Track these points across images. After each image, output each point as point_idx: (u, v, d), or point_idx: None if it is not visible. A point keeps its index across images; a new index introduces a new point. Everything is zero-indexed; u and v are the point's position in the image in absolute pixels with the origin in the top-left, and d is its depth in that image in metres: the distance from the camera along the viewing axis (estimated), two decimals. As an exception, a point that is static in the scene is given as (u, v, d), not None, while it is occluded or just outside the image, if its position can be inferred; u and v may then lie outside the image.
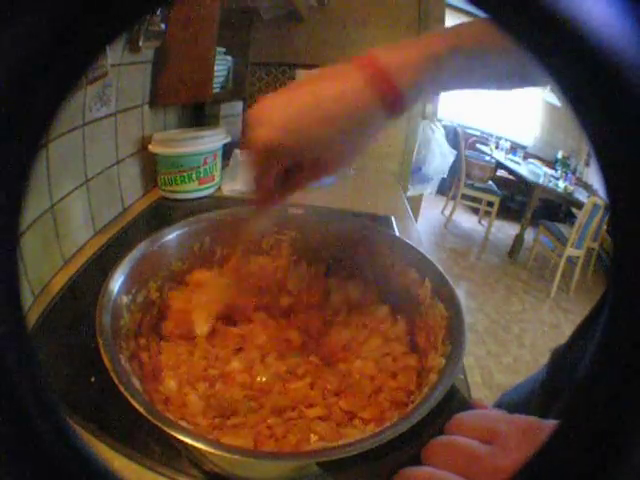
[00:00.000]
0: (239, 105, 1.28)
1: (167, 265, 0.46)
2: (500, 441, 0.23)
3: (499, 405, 0.60)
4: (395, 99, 0.33)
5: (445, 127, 1.92)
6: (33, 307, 0.55)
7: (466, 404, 0.29)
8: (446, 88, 0.37)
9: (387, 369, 0.41)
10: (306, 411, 0.37)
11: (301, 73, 1.07)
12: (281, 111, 0.33)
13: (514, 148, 3.88)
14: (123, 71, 0.77)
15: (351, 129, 0.33)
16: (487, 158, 3.68)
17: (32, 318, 0.53)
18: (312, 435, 0.35)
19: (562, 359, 0.50)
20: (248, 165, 0.36)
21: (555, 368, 0.51)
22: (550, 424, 0.23)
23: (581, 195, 3.06)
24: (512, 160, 3.59)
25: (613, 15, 0.09)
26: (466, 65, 0.34)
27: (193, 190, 0.95)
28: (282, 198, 0.40)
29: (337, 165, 0.37)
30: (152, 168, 0.95)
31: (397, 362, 0.42)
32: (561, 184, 3.16)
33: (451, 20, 1.49)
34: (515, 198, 3.94)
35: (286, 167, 0.36)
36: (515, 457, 0.21)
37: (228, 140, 1.00)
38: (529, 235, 3.21)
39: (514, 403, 0.57)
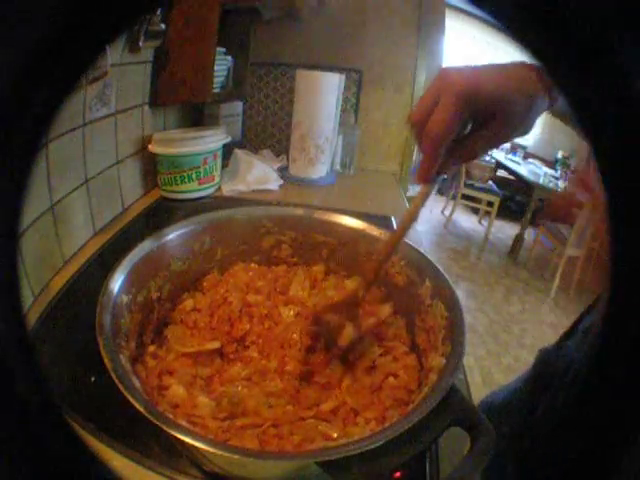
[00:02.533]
0: (239, 105, 1.28)
1: (167, 265, 0.46)
2: None
3: (488, 403, 0.61)
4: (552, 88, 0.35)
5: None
6: (33, 307, 0.55)
7: (466, 404, 0.29)
8: None
9: (388, 368, 0.41)
10: (321, 405, 0.37)
11: (301, 73, 1.07)
12: (474, 70, 0.35)
13: (514, 148, 3.88)
14: (123, 71, 0.77)
15: (531, 99, 0.35)
16: (487, 158, 3.68)
17: (32, 318, 0.53)
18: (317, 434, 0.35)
19: (548, 359, 0.50)
20: (432, 122, 0.35)
21: (540, 367, 0.51)
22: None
23: (581, 195, 3.06)
24: (512, 160, 3.59)
25: (613, 13, 0.09)
26: None
27: (193, 190, 0.95)
28: (448, 166, 0.38)
29: (512, 133, 0.37)
30: (152, 168, 0.95)
31: (398, 361, 0.42)
32: (561, 184, 3.16)
33: (451, 20, 1.49)
34: (515, 198, 3.94)
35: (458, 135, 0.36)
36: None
37: (228, 140, 1.00)
38: (529, 235, 3.21)
39: (500, 401, 0.58)
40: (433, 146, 0.35)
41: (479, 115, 0.35)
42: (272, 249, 0.54)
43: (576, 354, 0.44)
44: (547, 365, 0.50)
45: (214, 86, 0.99)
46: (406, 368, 0.41)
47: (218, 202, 0.97)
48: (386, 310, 0.47)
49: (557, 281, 2.64)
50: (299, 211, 0.55)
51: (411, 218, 0.40)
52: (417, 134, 0.37)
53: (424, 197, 0.39)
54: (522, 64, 0.35)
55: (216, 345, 0.42)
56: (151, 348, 0.40)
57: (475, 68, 0.36)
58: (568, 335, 0.50)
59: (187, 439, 0.26)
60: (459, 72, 0.35)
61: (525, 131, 0.37)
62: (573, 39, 0.09)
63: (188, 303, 0.47)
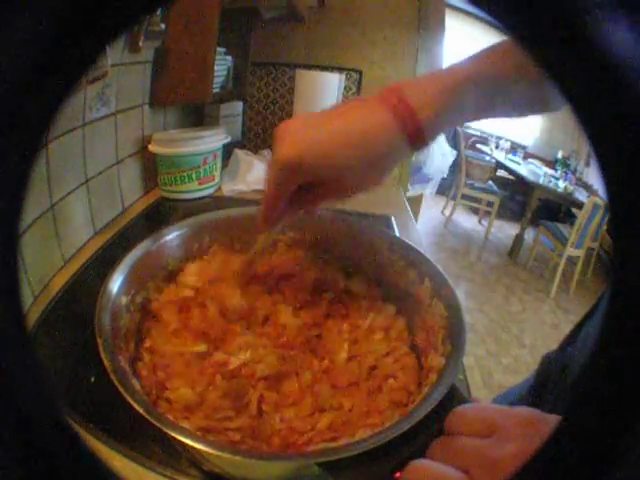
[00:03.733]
0: (239, 105, 1.28)
1: (165, 265, 0.46)
2: (498, 433, 0.23)
3: None
4: (418, 133, 0.34)
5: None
6: (33, 307, 0.55)
7: (466, 404, 0.29)
8: (468, 119, 0.37)
9: (388, 369, 0.41)
10: (319, 424, 0.36)
11: (301, 73, 1.07)
12: (308, 131, 0.34)
13: (514, 148, 3.88)
14: (123, 71, 0.77)
15: (376, 158, 0.35)
16: (487, 158, 3.68)
17: (32, 318, 0.53)
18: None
19: (551, 364, 0.50)
20: (265, 181, 0.37)
21: (543, 373, 0.51)
22: (552, 417, 0.23)
23: (581, 195, 3.06)
24: (512, 160, 3.59)
25: (613, 13, 0.09)
26: (487, 96, 0.35)
27: (193, 190, 0.95)
28: (291, 215, 0.41)
29: (356, 189, 0.38)
30: (152, 168, 0.95)
31: (398, 362, 0.42)
32: (561, 184, 3.16)
33: (451, 20, 1.49)
34: (515, 198, 3.94)
35: (300, 186, 0.37)
36: (512, 448, 0.22)
37: (228, 140, 1.00)
38: (529, 235, 3.21)
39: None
40: (267, 206, 0.38)
41: (313, 178, 0.35)
42: (269, 250, 0.54)
43: (577, 360, 0.44)
44: (549, 372, 0.50)
45: (214, 86, 0.99)
46: (406, 369, 0.41)
47: (218, 202, 0.97)
48: (390, 309, 0.47)
49: (557, 281, 2.64)
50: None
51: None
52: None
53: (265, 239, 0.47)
54: (390, 118, 0.33)
55: (202, 348, 0.41)
56: (147, 343, 0.40)
57: (318, 137, 0.34)
58: (569, 340, 0.50)
59: (187, 440, 0.26)
60: (290, 139, 0.34)
61: (377, 183, 0.37)
62: (573, 38, 0.09)
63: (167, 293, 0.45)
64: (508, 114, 0.39)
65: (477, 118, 0.37)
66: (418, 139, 0.34)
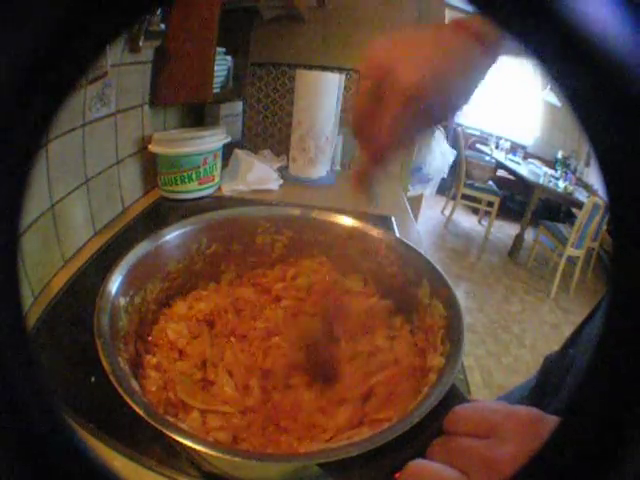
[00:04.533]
0: (239, 105, 1.28)
1: (164, 266, 0.46)
2: (497, 433, 0.23)
3: None
4: (493, 43, 0.33)
5: (445, 127, 1.92)
6: (33, 307, 0.55)
7: (465, 403, 0.29)
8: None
9: (389, 368, 0.41)
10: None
11: (301, 73, 1.07)
12: (419, 52, 0.32)
13: (514, 148, 3.88)
14: (123, 71, 0.77)
15: (468, 69, 0.34)
16: (487, 158, 3.68)
17: (32, 318, 0.53)
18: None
19: (553, 365, 0.50)
20: (385, 110, 0.32)
21: (545, 375, 0.51)
22: (552, 417, 0.23)
23: (581, 195, 3.06)
24: (512, 160, 3.59)
25: (613, 13, 0.09)
26: None
27: (193, 190, 0.95)
28: (401, 147, 0.36)
29: (459, 104, 0.36)
30: (152, 168, 0.95)
31: (400, 362, 0.42)
32: (561, 184, 3.16)
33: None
34: (515, 198, 3.94)
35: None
36: (510, 448, 0.22)
37: (228, 140, 1.00)
38: (529, 235, 3.21)
39: None
40: (381, 155, 0.34)
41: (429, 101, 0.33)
42: (265, 246, 0.54)
43: (579, 361, 0.44)
44: (550, 374, 0.50)
45: (214, 86, 0.99)
46: (407, 367, 0.41)
47: (218, 202, 0.97)
48: (388, 306, 0.47)
49: (557, 281, 2.64)
50: (297, 211, 0.55)
51: None
52: (361, 140, 0.34)
53: None
54: (454, 25, 0.33)
55: (231, 410, 0.38)
56: (152, 361, 0.39)
57: (414, 48, 0.32)
58: (571, 341, 0.49)
59: (186, 442, 0.26)
60: (404, 62, 0.31)
61: (466, 101, 0.36)
62: (573, 37, 0.09)
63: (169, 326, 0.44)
64: None
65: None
66: (495, 49, 0.34)
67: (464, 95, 0.36)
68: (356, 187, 0.36)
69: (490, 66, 0.36)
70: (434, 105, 0.33)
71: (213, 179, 0.98)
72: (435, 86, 0.32)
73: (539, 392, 0.50)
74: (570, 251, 2.58)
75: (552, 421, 0.22)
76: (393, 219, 0.95)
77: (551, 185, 3.13)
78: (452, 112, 0.36)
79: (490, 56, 0.35)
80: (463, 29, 0.33)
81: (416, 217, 1.50)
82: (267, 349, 0.42)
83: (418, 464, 0.24)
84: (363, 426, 0.35)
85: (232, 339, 0.44)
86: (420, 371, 0.39)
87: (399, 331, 0.45)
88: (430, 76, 0.31)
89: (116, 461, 0.37)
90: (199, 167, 0.93)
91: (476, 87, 0.36)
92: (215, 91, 1.03)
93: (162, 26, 0.83)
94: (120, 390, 0.28)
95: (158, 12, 0.80)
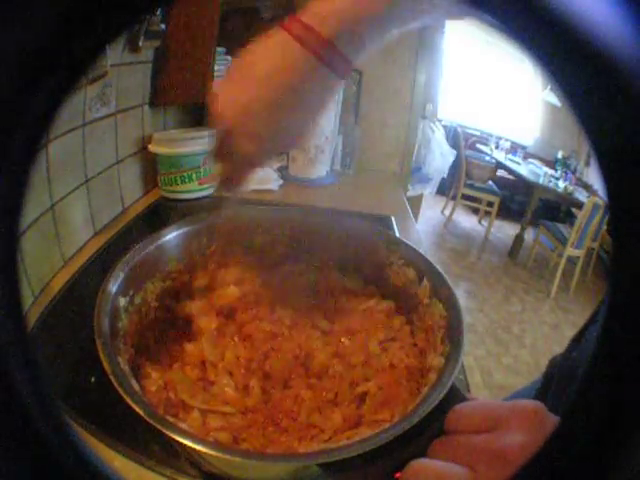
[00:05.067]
0: (239, 105, 1.28)
1: (164, 266, 0.46)
2: (502, 426, 0.23)
3: None
4: (327, 48, 0.31)
5: (445, 127, 1.92)
6: (33, 307, 0.55)
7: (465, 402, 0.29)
8: (384, 30, 0.34)
9: (383, 373, 0.41)
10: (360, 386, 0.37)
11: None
12: (234, 89, 0.34)
13: (514, 148, 3.88)
14: (123, 71, 0.77)
15: (300, 97, 0.33)
16: (487, 158, 3.68)
17: (32, 318, 0.53)
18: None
19: (558, 367, 0.50)
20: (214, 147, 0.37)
21: (550, 377, 0.51)
22: (553, 416, 0.22)
23: (581, 195, 3.06)
24: (512, 160, 3.59)
25: (613, 14, 0.09)
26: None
27: (193, 190, 0.95)
28: (245, 175, 0.41)
29: (296, 139, 0.37)
30: (152, 168, 0.95)
31: (396, 365, 0.42)
32: (561, 184, 3.16)
33: (451, 20, 1.49)
34: (515, 198, 3.94)
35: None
36: (518, 438, 0.21)
37: (228, 140, 1.00)
38: (529, 235, 3.21)
39: None
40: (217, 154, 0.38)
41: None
42: (264, 245, 0.54)
43: (581, 363, 0.44)
44: (555, 376, 0.50)
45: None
46: (407, 368, 0.41)
47: (218, 202, 0.97)
48: (386, 305, 0.47)
49: (557, 281, 2.64)
50: (297, 211, 0.55)
51: None
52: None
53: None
54: (294, 44, 0.31)
55: (231, 410, 0.39)
56: (154, 375, 0.38)
57: (241, 104, 0.33)
58: (575, 343, 0.49)
59: (186, 442, 0.26)
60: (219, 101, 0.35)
61: (312, 122, 0.36)
62: (575, 40, 0.09)
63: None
64: (427, 20, 0.35)
65: (393, 27, 0.34)
66: (331, 56, 0.31)
67: (300, 123, 0.35)
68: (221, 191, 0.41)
69: (334, 84, 0.34)
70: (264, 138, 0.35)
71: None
72: (256, 129, 0.34)
73: (545, 393, 0.50)
74: (570, 251, 2.58)
75: (553, 419, 0.22)
76: (393, 219, 0.95)
77: (551, 185, 3.13)
78: (297, 140, 0.37)
79: (329, 65, 0.32)
80: (296, 39, 0.31)
81: (416, 217, 1.50)
82: (268, 351, 0.42)
83: (420, 463, 0.24)
84: (362, 426, 0.35)
85: (235, 338, 0.44)
86: (420, 371, 0.39)
87: (399, 332, 0.45)
88: (245, 126, 0.33)
89: (116, 461, 0.37)
90: (199, 167, 0.93)
91: (317, 107, 0.35)
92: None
93: (162, 26, 0.83)
94: (120, 390, 0.28)
95: (158, 12, 0.80)
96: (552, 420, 0.22)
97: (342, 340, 0.43)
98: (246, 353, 0.41)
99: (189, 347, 0.41)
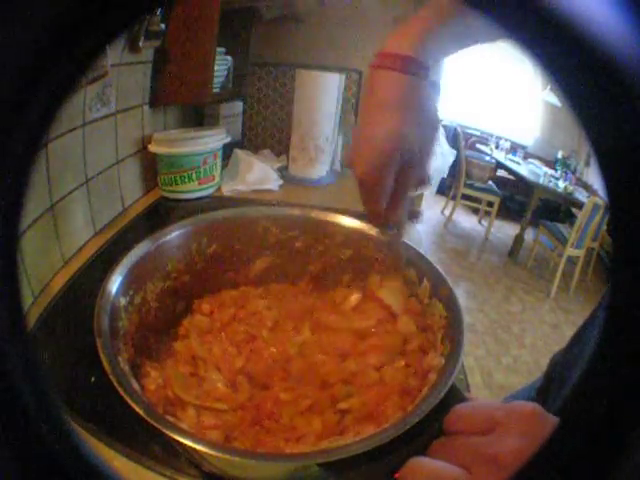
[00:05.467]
0: (239, 105, 1.28)
1: (164, 266, 0.46)
2: (499, 429, 0.23)
3: None
4: (410, 62, 0.38)
5: (445, 127, 1.92)
6: (33, 307, 0.55)
7: (465, 403, 0.29)
8: (463, 44, 0.41)
9: (368, 390, 0.41)
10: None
11: (301, 73, 1.07)
12: (365, 140, 0.38)
13: (514, 148, 3.88)
14: (123, 71, 0.77)
15: (417, 112, 0.38)
16: (487, 158, 3.68)
17: (32, 318, 0.53)
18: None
19: (558, 365, 0.50)
20: (360, 194, 0.40)
21: (551, 376, 0.51)
22: (552, 416, 0.22)
23: (581, 195, 3.06)
24: (512, 160, 3.59)
25: (614, 14, 0.09)
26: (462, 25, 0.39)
27: (193, 190, 0.95)
28: (397, 206, 0.42)
29: (430, 151, 0.40)
30: (152, 168, 0.95)
31: (387, 383, 0.41)
32: (561, 184, 3.16)
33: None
34: (515, 198, 3.94)
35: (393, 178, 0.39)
36: (514, 443, 0.21)
37: (228, 140, 1.00)
38: (529, 235, 3.21)
39: None
40: (375, 197, 0.40)
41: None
42: (267, 249, 0.54)
43: (581, 362, 0.44)
44: (555, 375, 0.50)
45: (214, 86, 0.99)
46: (405, 368, 0.41)
47: (218, 202, 0.97)
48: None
49: (557, 281, 2.64)
50: (297, 211, 0.55)
51: None
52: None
53: None
54: (393, 71, 0.38)
55: (223, 407, 0.39)
56: (153, 374, 0.38)
57: (374, 142, 0.37)
58: (574, 342, 0.49)
59: (186, 441, 0.26)
60: (355, 157, 0.38)
61: (434, 136, 0.41)
62: (575, 40, 0.09)
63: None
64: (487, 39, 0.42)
65: (469, 42, 0.41)
66: (415, 68, 0.38)
67: (428, 137, 0.39)
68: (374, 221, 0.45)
69: (430, 91, 0.39)
70: (406, 163, 0.38)
71: (213, 179, 0.98)
72: (386, 166, 0.37)
73: (545, 392, 0.50)
74: (570, 251, 2.58)
75: (553, 420, 0.22)
76: (393, 219, 0.95)
77: (551, 185, 3.13)
78: (430, 153, 0.40)
79: (415, 73, 0.38)
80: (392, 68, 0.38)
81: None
82: (250, 353, 0.42)
83: (418, 461, 0.24)
84: (346, 434, 0.35)
85: (222, 334, 0.44)
86: (418, 389, 0.38)
87: (399, 355, 0.44)
88: (376, 164, 0.37)
89: (116, 461, 0.37)
90: (199, 167, 0.93)
91: (434, 122, 0.41)
92: (215, 91, 1.03)
93: (162, 26, 0.83)
94: (120, 390, 0.28)
95: (158, 12, 0.80)
96: (551, 421, 0.22)
97: (320, 356, 0.42)
98: (232, 349, 0.42)
99: (178, 344, 0.42)
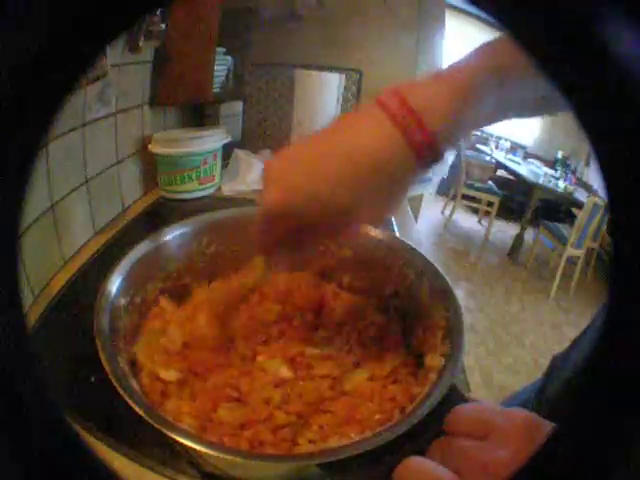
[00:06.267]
0: (239, 105, 1.28)
1: (164, 266, 0.46)
2: (494, 435, 0.23)
3: None
4: (428, 143, 0.28)
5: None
6: (33, 307, 0.55)
7: (465, 403, 0.29)
8: (483, 122, 0.32)
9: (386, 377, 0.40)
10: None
11: (301, 73, 1.07)
12: (297, 168, 0.30)
13: (514, 148, 3.88)
14: (123, 71, 0.77)
15: (379, 185, 0.29)
16: (487, 158, 3.68)
17: (32, 318, 0.53)
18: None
19: (558, 367, 0.50)
20: (255, 222, 0.33)
21: (551, 376, 0.51)
22: (548, 423, 0.23)
23: (581, 195, 3.06)
24: (512, 160, 3.59)
25: (613, 13, 0.09)
26: (502, 88, 0.29)
27: (193, 190, 0.95)
28: (291, 255, 0.37)
29: (361, 224, 0.33)
30: (152, 168, 0.95)
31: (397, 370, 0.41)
32: (561, 184, 3.16)
33: (451, 20, 1.49)
34: (515, 198, 3.94)
35: (296, 228, 0.33)
36: (506, 453, 0.22)
37: (228, 140, 1.00)
38: (529, 235, 3.21)
39: None
40: (260, 238, 0.34)
41: (308, 221, 0.31)
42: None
43: (580, 365, 0.44)
44: (554, 376, 0.50)
45: (214, 86, 0.99)
46: (404, 374, 0.40)
47: (218, 202, 0.97)
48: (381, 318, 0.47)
49: (557, 281, 2.64)
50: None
51: None
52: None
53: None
54: (392, 128, 0.28)
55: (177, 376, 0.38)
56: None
57: (309, 173, 0.29)
58: (574, 346, 0.49)
59: (186, 442, 0.26)
60: (281, 181, 0.30)
61: (384, 214, 0.32)
62: (574, 37, 0.09)
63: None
64: (521, 112, 0.35)
65: (492, 119, 0.32)
66: (426, 149, 0.28)
67: (372, 213, 0.31)
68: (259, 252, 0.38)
69: (415, 177, 0.30)
70: (322, 224, 0.32)
71: (213, 179, 0.98)
72: (315, 209, 0.29)
73: (544, 395, 0.50)
74: (570, 251, 2.58)
75: (548, 426, 0.22)
76: (393, 219, 0.95)
77: (551, 185, 3.13)
78: (361, 224, 0.33)
79: (419, 162, 0.29)
80: (391, 120, 0.28)
81: (416, 217, 1.49)
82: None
83: (413, 460, 0.24)
84: (331, 437, 0.34)
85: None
86: (401, 404, 0.36)
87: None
88: (301, 200, 0.29)
89: (116, 461, 0.37)
90: (199, 167, 0.93)
91: (393, 199, 0.31)
92: (215, 91, 1.03)
93: (162, 26, 0.83)
94: (120, 390, 0.28)
95: (158, 12, 0.80)
96: (546, 428, 0.22)
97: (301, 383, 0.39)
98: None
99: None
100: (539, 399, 0.50)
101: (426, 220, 3.45)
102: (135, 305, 0.41)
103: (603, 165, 0.10)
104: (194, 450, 0.26)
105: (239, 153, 1.10)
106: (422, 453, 0.26)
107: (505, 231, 3.61)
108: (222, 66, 1.10)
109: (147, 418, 0.27)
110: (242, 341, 0.41)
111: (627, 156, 0.09)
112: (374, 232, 0.52)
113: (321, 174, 0.29)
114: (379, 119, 0.28)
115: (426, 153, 0.28)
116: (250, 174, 1.06)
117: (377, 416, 0.35)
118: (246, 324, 0.42)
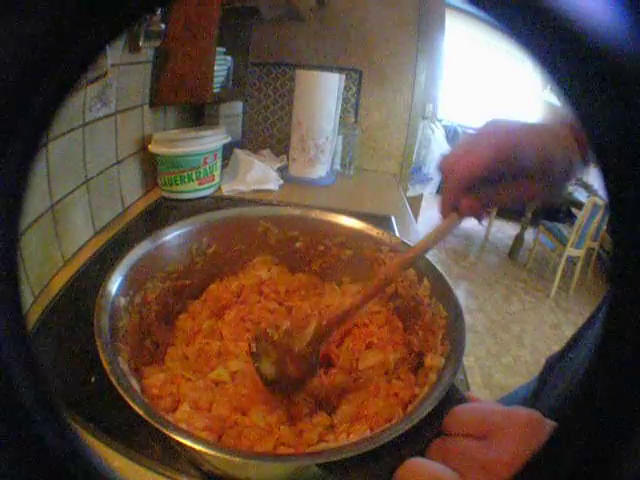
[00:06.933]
0: (239, 105, 1.28)
1: (164, 266, 0.46)
2: (494, 435, 0.23)
3: None
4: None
5: (445, 127, 1.92)
6: (33, 307, 0.55)
7: (465, 403, 0.29)
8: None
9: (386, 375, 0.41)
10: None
11: (301, 73, 1.07)
12: (518, 129, 0.35)
13: (514, 148, 3.87)
14: (123, 71, 0.77)
15: (567, 166, 0.34)
16: (487, 158, 3.67)
17: (32, 318, 0.53)
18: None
19: (554, 367, 0.50)
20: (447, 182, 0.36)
21: (546, 376, 0.51)
22: (550, 421, 0.23)
23: (581, 195, 3.05)
24: (512, 160, 3.58)
25: (613, 12, 0.09)
26: None
27: (193, 190, 0.95)
28: (474, 210, 0.39)
29: (542, 193, 0.36)
30: (152, 168, 0.95)
31: (397, 369, 0.41)
32: (561, 184, 3.15)
33: (451, 20, 1.49)
34: (515, 198, 3.93)
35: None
36: (506, 452, 0.22)
37: (228, 140, 1.00)
38: (529, 235, 3.21)
39: None
40: (454, 185, 0.36)
41: (517, 172, 0.34)
42: (267, 249, 0.54)
43: (578, 365, 0.44)
44: (550, 377, 0.50)
45: (214, 86, 0.99)
46: (404, 372, 0.41)
47: (218, 202, 0.97)
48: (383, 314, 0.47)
49: (557, 281, 2.64)
50: (298, 211, 0.55)
51: (426, 247, 0.39)
52: (445, 176, 0.37)
53: (440, 232, 0.40)
54: (561, 124, 0.35)
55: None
56: (153, 378, 0.38)
57: (519, 125, 0.35)
58: (571, 345, 0.49)
59: (186, 442, 0.26)
60: (501, 126, 0.35)
61: (557, 195, 0.36)
62: (575, 39, 0.09)
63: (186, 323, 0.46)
64: None
65: None
66: (587, 154, 0.34)
67: (557, 184, 0.35)
68: (440, 212, 0.40)
69: (580, 173, 0.35)
70: (526, 176, 0.34)
71: (213, 179, 0.98)
72: (529, 157, 0.33)
73: (538, 394, 0.50)
74: (570, 251, 2.57)
75: (550, 425, 0.22)
76: (393, 219, 0.95)
77: (551, 185, 3.12)
78: (543, 195, 0.36)
79: (584, 161, 0.34)
80: (567, 128, 0.34)
81: (416, 217, 1.50)
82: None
83: (415, 461, 0.24)
84: (333, 435, 0.35)
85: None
86: (404, 401, 0.38)
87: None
88: (523, 143, 0.33)
89: (116, 461, 0.37)
90: (199, 167, 0.93)
91: (566, 186, 0.36)
92: (215, 91, 1.03)
93: (162, 26, 0.83)
94: (120, 390, 0.28)
95: (158, 12, 0.80)
96: (548, 426, 0.22)
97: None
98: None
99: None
100: (533, 400, 0.50)
101: (426, 220, 3.44)
102: (135, 305, 0.41)
103: (603, 165, 0.10)
104: (194, 450, 0.26)
105: (239, 153, 1.10)
106: (422, 453, 0.26)
107: (505, 231, 3.61)
108: (222, 66, 1.09)
109: (147, 418, 0.27)
110: None
111: (627, 156, 0.09)
112: (374, 232, 0.52)
113: (534, 140, 0.34)
114: (563, 133, 0.36)
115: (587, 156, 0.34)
116: (250, 174, 1.06)
117: (383, 413, 0.35)
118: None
